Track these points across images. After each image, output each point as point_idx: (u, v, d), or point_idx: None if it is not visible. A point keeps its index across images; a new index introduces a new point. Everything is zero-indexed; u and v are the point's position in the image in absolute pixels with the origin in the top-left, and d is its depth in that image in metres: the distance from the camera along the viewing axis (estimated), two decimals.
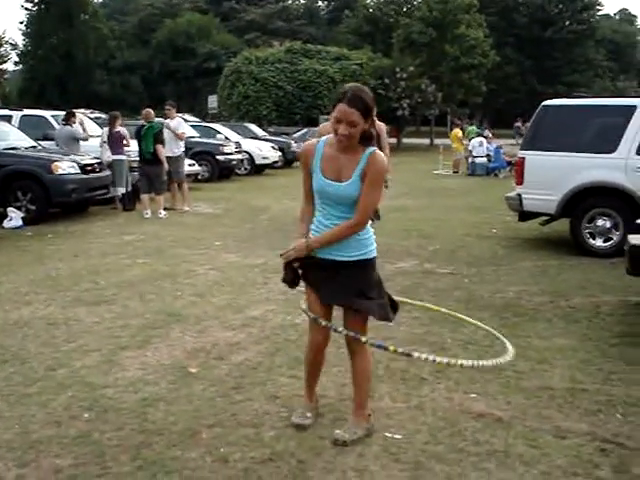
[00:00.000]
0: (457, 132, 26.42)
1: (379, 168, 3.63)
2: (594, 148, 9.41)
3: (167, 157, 13.41)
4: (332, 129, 3.59)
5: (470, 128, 30.42)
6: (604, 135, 9.52)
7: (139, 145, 13.05)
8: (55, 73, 62.13)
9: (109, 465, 3.57)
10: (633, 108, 9.32)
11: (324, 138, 3.76)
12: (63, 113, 15.28)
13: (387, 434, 3.92)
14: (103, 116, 21.33)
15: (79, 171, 12.40)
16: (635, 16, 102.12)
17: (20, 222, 11.54)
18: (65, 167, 12.23)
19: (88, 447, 3.77)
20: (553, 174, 9.58)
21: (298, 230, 3.87)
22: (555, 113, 9.94)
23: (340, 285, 3.75)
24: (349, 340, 3.83)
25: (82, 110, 22.46)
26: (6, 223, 11.48)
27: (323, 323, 3.71)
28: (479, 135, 27.33)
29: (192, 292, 7.20)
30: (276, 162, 25.50)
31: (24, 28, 66.96)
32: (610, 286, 7.51)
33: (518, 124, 47.33)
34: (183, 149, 14.53)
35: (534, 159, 9.80)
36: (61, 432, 3.94)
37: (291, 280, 3.89)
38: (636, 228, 6.75)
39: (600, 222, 9.37)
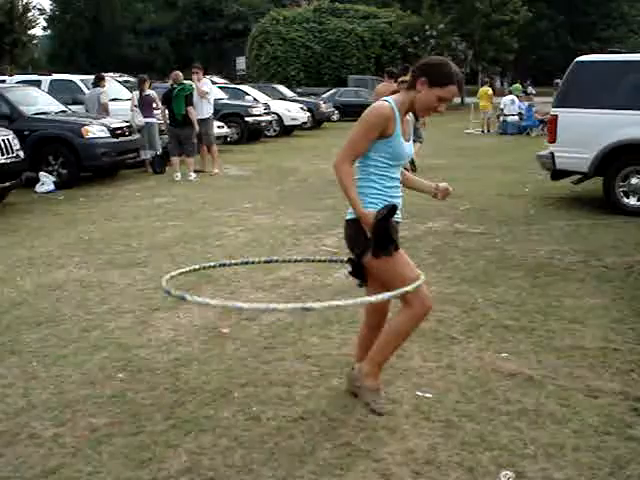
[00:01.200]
0: (487, 90, 25.94)
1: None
2: (629, 104, 9.22)
3: (199, 120, 13.42)
4: (431, 104, 3.54)
5: (515, 86, 29.86)
6: (639, 91, 9.32)
7: (169, 108, 13.03)
8: (83, 38, 62.23)
9: (144, 424, 3.63)
10: None
11: (391, 101, 3.59)
12: (92, 77, 15.33)
13: (418, 393, 3.94)
14: (132, 79, 21.36)
15: (109, 135, 12.45)
16: None
17: (52, 186, 11.65)
18: (95, 131, 12.28)
19: (123, 406, 3.83)
20: (586, 131, 9.42)
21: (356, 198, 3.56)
22: (589, 69, 9.73)
23: None
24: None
25: (111, 74, 22.45)
26: (38, 187, 11.59)
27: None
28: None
29: (223, 253, 7.24)
30: (305, 123, 25.41)
31: None
32: None
33: (558, 81, 46.51)
34: (212, 111, 14.50)
35: (567, 116, 9.63)
36: (96, 392, 4.01)
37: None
38: None
39: (634, 180, 9.23)
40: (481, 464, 3.23)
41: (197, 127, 13.27)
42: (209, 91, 14.13)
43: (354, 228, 3.63)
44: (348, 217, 3.68)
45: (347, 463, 3.24)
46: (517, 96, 25.45)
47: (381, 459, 3.27)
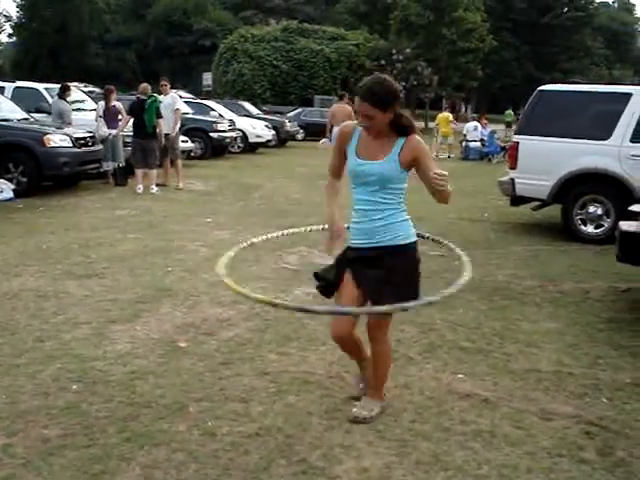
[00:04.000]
0: (447, 116, 26.17)
1: (421, 144, 3.69)
2: (588, 134, 9.42)
3: (165, 134, 13.40)
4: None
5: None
6: (599, 122, 9.52)
7: (139, 119, 12.95)
8: (49, 46, 61.57)
9: (97, 436, 3.58)
10: (628, 95, 9.33)
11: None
12: (56, 86, 15.18)
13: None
14: (97, 90, 21.20)
15: (71, 144, 12.31)
16: (634, 5, 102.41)
17: (11, 194, 11.47)
18: (57, 140, 12.14)
19: (76, 418, 3.78)
20: (547, 159, 9.58)
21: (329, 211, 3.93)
22: (551, 98, 9.93)
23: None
24: (371, 327, 3.85)
25: (76, 83, 22.25)
26: None
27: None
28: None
29: (183, 268, 7.20)
30: (269, 141, 25.42)
31: (18, 0, 66.27)
32: (600, 272, 7.54)
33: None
34: (179, 126, 14.48)
35: (528, 144, 9.80)
36: (49, 403, 3.95)
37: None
38: (627, 215, 6.76)
39: (592, 208, 9.40)
40: None
41: (163, 140, 13.24)
42: (180, 108, 14.18)
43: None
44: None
45: None
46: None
47: (336, 477, 3.27)
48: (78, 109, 15.05)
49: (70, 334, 5.11)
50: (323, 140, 16.97)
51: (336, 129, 18.77)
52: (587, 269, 7.74)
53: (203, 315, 5.63)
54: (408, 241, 3.80)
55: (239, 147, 23.40)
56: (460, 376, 4.53)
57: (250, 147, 24.27)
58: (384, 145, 3.67)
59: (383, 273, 3.69)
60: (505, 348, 5.08)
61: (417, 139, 3.66)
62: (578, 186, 9.47)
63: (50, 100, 14.92)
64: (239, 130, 23.18)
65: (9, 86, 15.77)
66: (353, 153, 3.73)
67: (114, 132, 13.55)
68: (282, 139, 27.83)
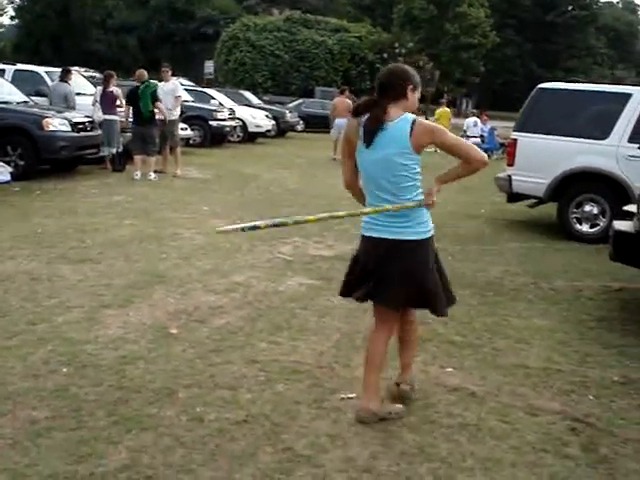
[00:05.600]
0: (448, 111, 26.15)
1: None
2: (587, 134, 9.43)
3: (163, 120, 13.42)
4: (415, 107, 3.75)
5: None
6: (597, 121, 9.53)
7: (135, 105, 12.95)
8: (51, 30, 61.32)
9: (85, 419, 3.61)
10: (628, 96, 9.33)
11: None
12: (57, 70, 15.15)
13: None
14: (97, 75, 21.14)
15: (70, 129, 12.28)
16: (638, 5, 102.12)
17: (8, 177, 11.43)
18: (56, 124, 12.12)
19: (65, 401, 3.80)
20: (544, 157, 9.60)
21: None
22: (550, 96, 9.93)
23: None
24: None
25: (76, 68, 22.21)
26: None
27: None
28: None
29: (177, 255, 7.21)
30: (269, 131, 25.38)
31: None
32: (593, 271, 7.57)
33: None
34: (179, 113, 14.49)
35: (526, 141, 9.81)
36: (39, 385, 3.97)
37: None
38: (622, 215, 6.79)
39: (587, 208, 9.42)
40: (419, 475, 3.27)
41: (166, 117, 13.35)
42: (181, 95, 14.19)
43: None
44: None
45: (287, 468, 3.26)
46: None
47: (321, 465, 3.30)
48: (78, 93, 15.01)
49: (62, 317, 5.12)
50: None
51: (337, 121, 18.97)
52: (581, 268, 7.76)
53: (195, 302, 5.65)
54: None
55: (238, 136, 23.36)
56: (449, 370, 4.55)
57: (249, 137, 24.23)
58: None
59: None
60: (495, 343, 5.11)
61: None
62: (575, 185, 9.48)
63: (50, 83, 14.89)
64: (239, 119, 23.15)
65: (9, 69, 15.71)
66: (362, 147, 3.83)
67: (110, 117, 13.54)
68: (282, 129, 27.78)
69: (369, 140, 3.58)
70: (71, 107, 13.77)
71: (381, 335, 3.81)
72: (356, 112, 3.67)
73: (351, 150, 3.70)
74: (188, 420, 3.66)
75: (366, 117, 3.60)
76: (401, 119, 3.56)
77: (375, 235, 3.70)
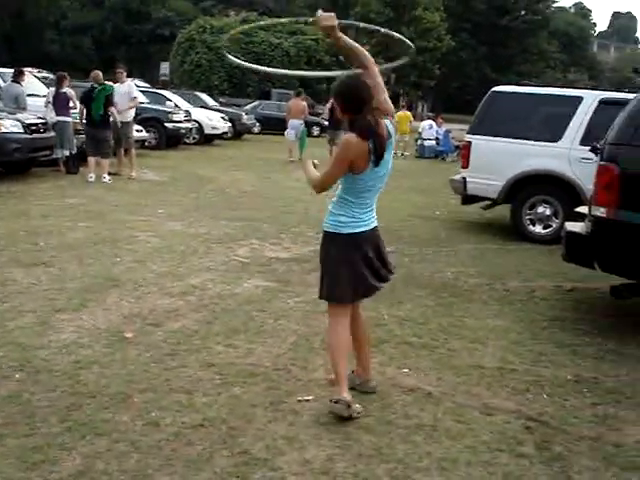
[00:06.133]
0: (408, 114, 26.41)
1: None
2: (539, 136, 9.57)
3: (116, 122, 13.30)
4: None
5: None
6: (550, 124, 9.69)
7: (87, 107, 12.81)
8: (4, 31, 60.29)
9: (38, 425, 3.55)
10: (579, 99, 9.49)
11: None
12: (10, 71, 14.90)
13: (318, 404, 3.97)
14: (51, 76, 20.82)
15: (23, 130, 12.09)
16: (590, 10, 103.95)
17: None
18: (8, 125, 11.90)
19: (18, 407, 3.74)
20: (498, 159, 9.72)
21: None
22: (503, 99, 10.06)
23: None
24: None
25: (30, 69, 21.88)
26: None
27: None
28: None
29: (132, 258, 7.13)
30: (225, 133, 25.25)
31: None
32: (546, 272, 7.68)
33: None
34: (133, 114, 14.35)
35: (480, 143, 9.93)
36: None
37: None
38: (574, 216, 6.91)
39: (541, 209, 9.56)
40: (376, 476, 3.28)
41: (118, 121, 13.21)
42: (137, 97, 14.06)
43: None
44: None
45: (243, 472, 3.25)
46: None
47: (278, 468, 3.29)
48: (31, 94, 14.79)
49: (14, 322, 5.03)
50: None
51: (291, 122, 19.15)
52: (534, 268, 7.87)
53: (151, 306, 5.60)
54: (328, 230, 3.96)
55: (194, 138, 23.19)
56: (405, 370, 4.58)
57: (206, 139, 24.06)
58: None
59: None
60: (450, 344, 5.15)
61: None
62: (528, 187, 9.62)
63: (2, 84, 14.64)
64: (195, 121, 22.97)
65: None
66: None
67: (63, 119, 13.36)
68: (238, 132, 27.66)
69: (379, 159, 3.74)
70: (22, 108, 13.54)
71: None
72: (368, 136, 3.69)
73: (351, 168, 3.75)
74: (143, 425, 3.62)
75: (371, 140, 3.69)
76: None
77: (366, 228, 3.90)
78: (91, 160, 12.73)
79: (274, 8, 67.56)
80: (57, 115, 13.37)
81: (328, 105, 19.75)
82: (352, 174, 3.74)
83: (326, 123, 22.48)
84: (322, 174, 3.85)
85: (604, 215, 5.61)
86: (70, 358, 4.44)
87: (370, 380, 4.23)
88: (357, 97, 3.72)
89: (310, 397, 4.02)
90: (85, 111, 12.89)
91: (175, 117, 20.93)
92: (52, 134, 13.09)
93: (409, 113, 26.81)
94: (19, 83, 13.93)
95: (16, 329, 4.91)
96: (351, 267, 3.85)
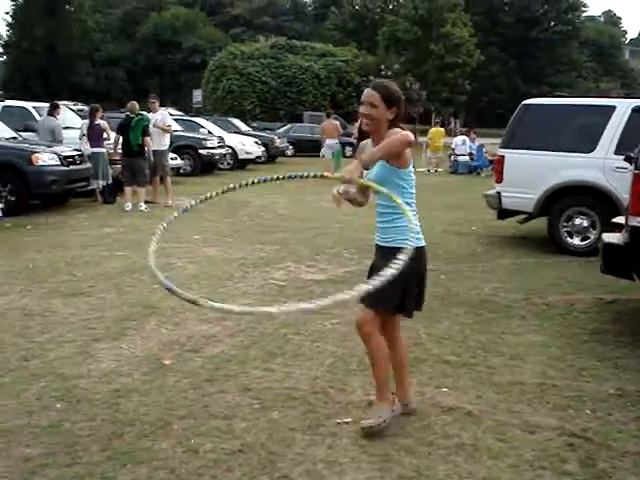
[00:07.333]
0: (441, 130, 26.45)
1: (392, 133, 3.75)
2: (573, 147, 9.48)
3: (153, 151, 13.48)
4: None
5: None
6: (583, 134, 9.59)
7: (125, 137, 13.01)
8: (38, 64, 61.58)
9: (79, 455, 3.58)
10: (612, 108, 9.39)
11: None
12: (45, 105, 15.21)
13: (357, 426, 3.95)
14: (86, 108, 21.21)
15: (59, 163, 12.32)
16: (620, 18, 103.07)
17: (0, 213, 11.46)
18: (45, 158, 12.16)
19: (59, 437, 3.77)
20: (532, 172, 9.64)
21: None
22: (535, 112, 10.00)
23: None
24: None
25: (65, 102, 22.34)
26: None
27: None
28: None
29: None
30: (259, 157, 25.46)
31: (9, 19, 66.27)
32: (585, 284, 7.58)
33: None
34: (168, 142, 14.54)
35: (513, 157, 9.86)
36: (32, 422, 3.94)
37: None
38: (611, 227, 6.81)
39: (577, 221, 9.45)
40: None
41: (152, 157, 13.33)
42: (171, 125, 14.25)
43: None
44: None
45: None
46: None
47: None
48: (67, 127, 15.08)
49: (54, 353, 5.10)
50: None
51: (327, 142, 19.57)
52: (573, 281, 7.77)
53: (188, 332, 5.64)
54: (397, 245, 3.77)
55: (228, 164, 23.44)
56: (444, 389, 4.54)
57: (240, 164, 24.31)
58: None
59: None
60: (489, 361, 5.09)
61: (392, 131, 3.77)
62: (563, 199, 9.52)
63: (39, 118, 14.95)
64: (228, 147, 23.23)
65: None
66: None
67: (98, 150, 13.57)
68: (272, 155, 27.88)
69: None
70: (58, 141, 13.80)
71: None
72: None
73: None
74: (183, 452, 3.63)
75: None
76: None
77: (423, 243, 3.96)
78: (128, 189, 12.91)
79: (303, 32, 68.21)
80: (92, 147, 13.59)
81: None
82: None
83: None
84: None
85: None
86: (110, 387, 4.48)
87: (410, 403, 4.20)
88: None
89: (349, 419, 4.00)
90: (123, 141, 13.08)
91: (209, 143, 21.19)
92: (88, 165, 13.32)
93: (442, 130, 26.85)
94: (55, 117, 14.21)
95: (56, 359, 4.97)
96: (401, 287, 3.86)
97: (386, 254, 3.72)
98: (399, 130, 3.75)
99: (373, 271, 3.88)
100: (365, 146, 3.99)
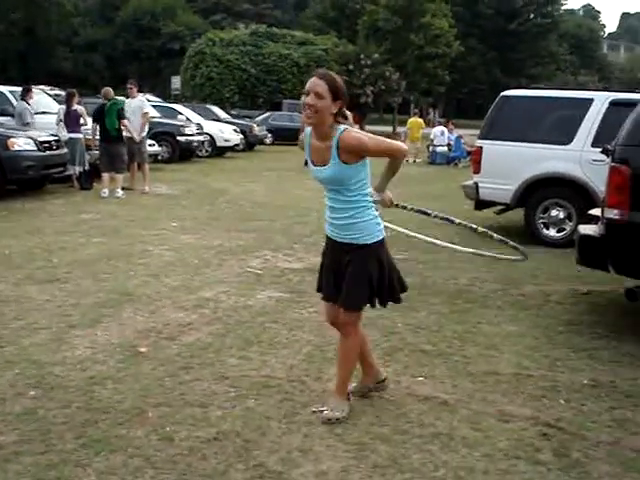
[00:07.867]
0: (420, 121, 26.50)
1: (351, 140, 3.65)
2: (550, 139, 9.53)
3: (130, 137, 13.39)
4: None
5: None
6: (561, 126, 9.64)
7: (101, 123, 12.91)
8: (16, 49, 60.85)
9: (54, 442, 3.55)
10: (590, 101, 9.45)
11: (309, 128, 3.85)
12: (21, 88, 15.04)
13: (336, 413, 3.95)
14: (63, 93, 21.00)
15: (36, 148, 12.19)
16: (599, 12, 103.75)
17: None
18: (21, 143, 12.03)
19: (33, 424, 3.74)
20: (509, 164, 9.69)
21: None
22: (513, 103, 10.04)
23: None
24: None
25: (41, 86, 22.08)
26: None
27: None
28: None
29: (146, 272, 7.15)
30: (237, 145, 25.36)
31: None
32: (561, 275, 7.64)
33: None
34: (147, 129, 14.45)
35: (491, 148, 9.90)
36: (6, 409, 3.90)
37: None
38: (587, 219, 6.86)
39: (554, 212, 9.51)
40: None
41: (136, 136, 13.35)
42: (149, 112, 14.17)
43: None
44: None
45: None
46: None
47: None
48: (43, 112, 14.93)
49: (29, 339, 5.05)
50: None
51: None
52: (549, 272, 7.82)
53: (164, 320, 5.61)
54: (370, 241, 3.81)
55: (207, 151, 23.32)
56: (420, 379, 4.55)
57: (218, 151, 24.19)
58: (327, 148, 3.72)
59: (343, 272, 3.87)
60: (465, 351, 5.12)
61: (346, 135, 3.65)
62: (540, 190, 9.58)
63: (15, 103, 14.78)
64: (207, 134, 23.11)
65: None
66: (309, 159, 3.87)
67: (75, 136, 13.46)
68: (250, 143, 27.79)
69: None
70: (26, 124, 13.65)
71: None
72: None
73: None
74: (158, 440, 3.61)
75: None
76: None
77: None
78: (105, 176, 12.81)
79: (283, 19, 67.93)
80: (68, 132, 13.47)
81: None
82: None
83: None
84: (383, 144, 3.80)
85: (617, 217, 5.57)
86: (85, 374, 4.45)
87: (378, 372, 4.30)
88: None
89: (324, 408, 4.00)
90: (99, 127, 12.98)
91: (187, 130, 21.07)
92: (65, 151, 13.19)
93: (421, 120, 26.93)
94: (26, 101, 14.06)
95: (31, 346, 4.92)
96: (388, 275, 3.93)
97: (349, 250, 3.84)
98: (356, 130, 3.76)
99: (338, 267, 3.91)
100: (305, 137, 3.89)
